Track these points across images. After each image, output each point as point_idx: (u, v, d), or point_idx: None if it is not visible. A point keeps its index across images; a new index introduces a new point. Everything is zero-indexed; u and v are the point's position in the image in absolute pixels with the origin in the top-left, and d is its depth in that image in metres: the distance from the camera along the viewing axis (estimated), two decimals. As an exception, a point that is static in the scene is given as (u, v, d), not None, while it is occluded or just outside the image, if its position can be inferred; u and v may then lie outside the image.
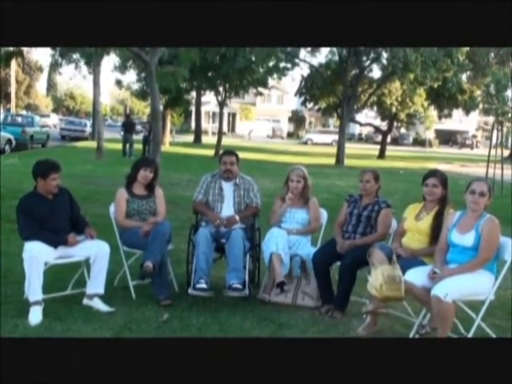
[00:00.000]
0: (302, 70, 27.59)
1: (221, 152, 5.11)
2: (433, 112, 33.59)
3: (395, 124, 35.26)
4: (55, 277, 4.38)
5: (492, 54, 27.19)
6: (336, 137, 32.16)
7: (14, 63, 35.87)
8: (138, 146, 20.78)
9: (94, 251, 4.13)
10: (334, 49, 24.71)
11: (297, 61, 24.46)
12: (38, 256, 3.86)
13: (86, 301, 4.17)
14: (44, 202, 4.12)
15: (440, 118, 34.66)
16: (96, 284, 4.16)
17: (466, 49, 21.94)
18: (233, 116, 58.61)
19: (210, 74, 21.83)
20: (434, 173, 4.18)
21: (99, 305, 4.11)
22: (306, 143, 49.40)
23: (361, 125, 36.52)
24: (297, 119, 64.61)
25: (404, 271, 3.73)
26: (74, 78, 51.32)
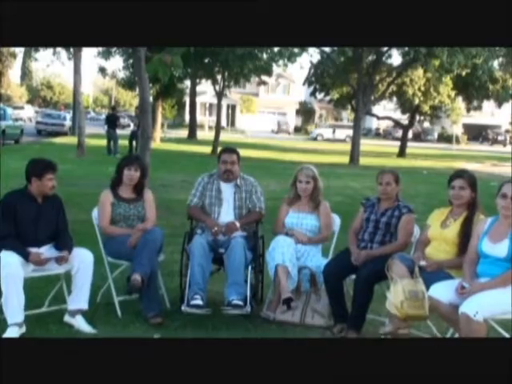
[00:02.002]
0: (312, 56, 27.80)
1: (220, 149, 5.11)
2: (460, 104, 33.57)
3: (417, 117, 35.29)
4: (30, 292, 4.36)
5: (528, 38, 27.16)
6: (350, 132, 32.22)
7: (-17, 48, 36.00)
8: (125, 143, 20.83)
9: (76, 261, 4.14)
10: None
11: (305, 45, 24.49)
12: (15, 273, 3.86)
13: (67, 318, 4.19)
14: (31, 203, 4.15)
15: (469, 110, 34.62)
16: (79, 298, 4.17)
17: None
18: (232, 108, 58.73)
19: (206, 61, 21.86)
20: (460, 173, 4.18)
21: (82, 324, 4.12)
22: (315, 139, 49.48)
23: (378, 118, 36.51)
24: (305, 112, 64.67)
25: (428, 286, 3.73)
26: (51, 64, 51.37)
